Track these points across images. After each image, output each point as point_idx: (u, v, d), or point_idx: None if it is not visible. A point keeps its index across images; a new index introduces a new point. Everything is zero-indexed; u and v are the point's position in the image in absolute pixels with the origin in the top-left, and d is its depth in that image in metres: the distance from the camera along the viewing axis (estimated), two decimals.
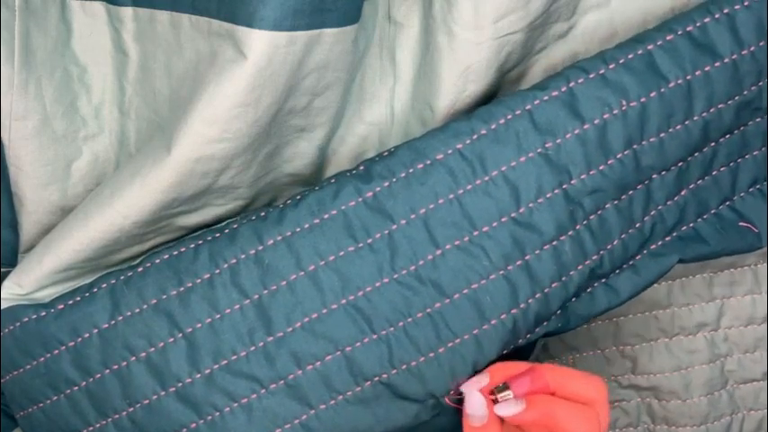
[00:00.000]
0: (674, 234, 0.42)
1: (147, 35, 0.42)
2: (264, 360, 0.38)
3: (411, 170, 0.39)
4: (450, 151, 0.39)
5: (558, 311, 0.40)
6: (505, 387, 0.37)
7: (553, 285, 0.39)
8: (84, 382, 0.39)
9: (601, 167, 0.39)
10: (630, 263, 0.42)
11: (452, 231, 0.38)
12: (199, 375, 0.38)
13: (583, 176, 0.39)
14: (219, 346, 0.38)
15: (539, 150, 0.39)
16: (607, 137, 0.39)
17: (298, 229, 0.39)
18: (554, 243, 0.39)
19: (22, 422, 0.42)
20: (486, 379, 0.38)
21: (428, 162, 0.39)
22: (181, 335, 0.39)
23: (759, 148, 0.44)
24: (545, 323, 0.40)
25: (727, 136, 0.42)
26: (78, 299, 0.40)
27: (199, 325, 0.39)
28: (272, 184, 0.43)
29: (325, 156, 0.44)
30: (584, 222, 0.40)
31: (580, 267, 0.40)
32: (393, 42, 0.42)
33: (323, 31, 0.37)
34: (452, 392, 0.39)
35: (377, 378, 0.38)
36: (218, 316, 0.39)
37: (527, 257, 0.39)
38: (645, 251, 0.42)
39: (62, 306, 0.40)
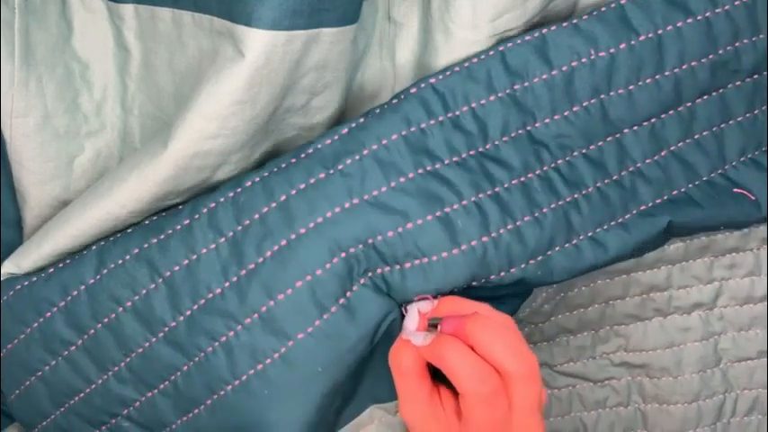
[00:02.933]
0: (665, 198, 0.43)
1: (149, 32, 0.42)
2: (237, 295, 0.38)
3: (386, 106, 0.40)
4: (423, 85, 0.40)
5: (539, 257, 0.40)
6: (437, 323, 0.38)
7: (525, 219, 0.40)
8: (80, 341, 0.40)
9: (565, 113, 0.40)
10: (619, 221, 0.42)
11: (424, 159, 0.39)
12: (181, 318, 0.39)
13: (547, 120, 0.40)
14: (196, 286, 0.39)
15: (507, 91, 0.40)
16: (574, 84, 0.40)
17: (275, 170, 0.40)
18: (522, 179, 0.40)
19: (17, 403, 0.42)
20: (432, 306, 0.39)
21: (402, 97, 0.40)
22: (161, 280, 0.39)
23: (743, 114, 0.44)
24: (522, 265, 0.40)
25: (705, 97, 0.43)
26: (68, 261, 0.41)
27: (177, 268, 0.39)
28: None
29: None
30: (552, 165, 0.41)
31: (553, 206, 0.40)
32: (393, 42, 0.43)
33: (321, 30, 0.37)
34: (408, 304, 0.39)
35: (348, 293, 0.39)
36: (195, 257, 0.39)
37: (496, 189, 0.40)
38: (634, 211, 0.42)
39: (52, 270, 0.41)
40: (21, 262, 0.42)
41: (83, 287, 0.40)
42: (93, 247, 0.41)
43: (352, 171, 0.39)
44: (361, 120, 0.40)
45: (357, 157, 0.39)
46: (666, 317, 0.51)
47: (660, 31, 0.40)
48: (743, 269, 0.51)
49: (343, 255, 0.38)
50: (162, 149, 0.39)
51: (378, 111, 0.40)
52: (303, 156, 0.40)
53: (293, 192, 0.39)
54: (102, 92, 0.43)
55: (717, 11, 0.41)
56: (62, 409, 0.42)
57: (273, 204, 0.39)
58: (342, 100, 0.42)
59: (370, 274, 0.39)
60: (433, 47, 0.41)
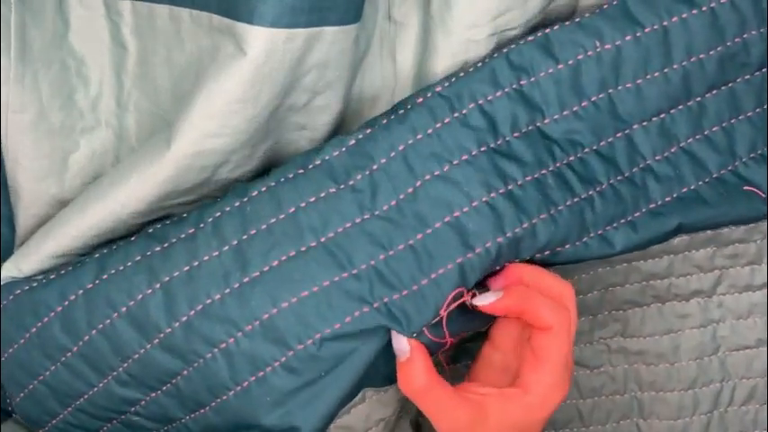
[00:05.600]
0: (675, 196, 0.43)
1: (147, 29, 0.42)
2: (239, 301, 0.38)
3: (393, 116, 0.40)
4: (429, 94, 0.40)
5: (546, 252, 0.40)
6: (483, 287, 0.39)
7: (541, 217, 0.40)
8: (75, 347, 0.40)
9: (574, 108, 0.40)
10: (629, 219, 0.42)
11: (432, 163, 0.39)
12: (177, 324, 0.38)
13: (556, 116, 0.40)
14: (195, 292, 0.38)
15: (514, 86, 0.40)
16: (581, 78, 0.40)
17: (282, 180, 0.40)
18: (536, 175, 0.40)
19: (24, 404, 0.42)
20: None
21: (409, 107, 0.40)
22: (158, 285, 0.39)
23: (753, 109, 0.44)
24: (527, 258, 0.40)
25: (714, 92, 0.43)
26: (70, 268, 0.41)
27: (176, 273, 0.39)
28: None
29: None
30: (565, 162, 0.41)
31: (569, 203, 0.41)
32: (393, 42, 0.43)
33: (323, 29, 0.37)
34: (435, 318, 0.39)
35: (357, 313, 0.38)
36: (197, 263, 0.39)
37: (509, 186, 0.39)
38: (644, 209, 0.42)
39: (54, 276, 0.41)
40: (21, 264, 0.42)
41: (81, 292, 0.40)
42: (96, 255, 0.41)
43: (363, 187, 0.39)
44: (368, 130, 0.40)
45: (367, 173, 0.39)
46: (665, 303, 0.51)
47: (665, 23, 0.40)
48: (744, 258, 0.50)
49: (355, 271, 0.38)
50: (164, 148, 0.39)
51: (384, 121, 0.40)
52: (311, 166, 0.40)
53: (302, 204, 0.39)
54: (97, 88, 0.43)
55: (722, 1, 0.41)
56: (69, 409, 0.42)
57: (282, 216, 0.39)
58: (344, 100, 0.41)
59: (385, 299, 0.38)
60: (434, 46, 0.41)
